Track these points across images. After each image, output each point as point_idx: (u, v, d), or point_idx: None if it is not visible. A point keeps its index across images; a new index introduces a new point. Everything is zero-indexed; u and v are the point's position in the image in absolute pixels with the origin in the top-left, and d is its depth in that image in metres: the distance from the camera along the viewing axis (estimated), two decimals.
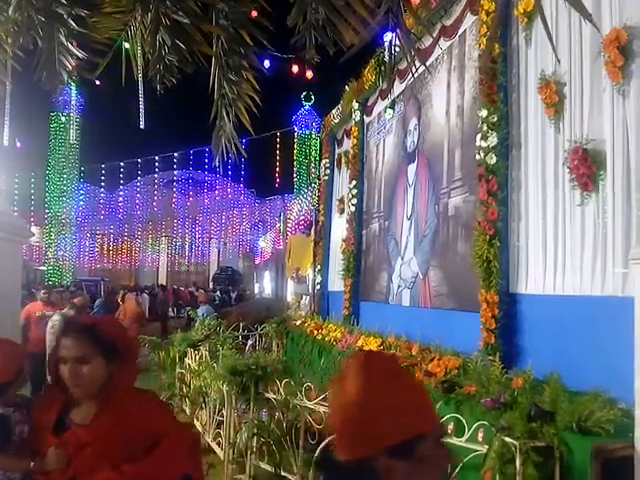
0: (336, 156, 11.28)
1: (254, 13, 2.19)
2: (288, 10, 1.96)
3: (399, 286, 7.56)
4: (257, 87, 2.43)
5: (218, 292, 22.94)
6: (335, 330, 7.95)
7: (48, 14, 2.06)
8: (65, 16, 2.10)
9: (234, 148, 2.59)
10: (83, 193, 24.87)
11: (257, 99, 2.45)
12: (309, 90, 21.00)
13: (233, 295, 23.85)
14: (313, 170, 20.94)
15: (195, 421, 6.43)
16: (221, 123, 2.48)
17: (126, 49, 2.58)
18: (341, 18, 1.88)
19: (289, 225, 19.28)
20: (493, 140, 4.81)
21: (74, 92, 20.34)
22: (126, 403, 1.78)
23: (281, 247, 20.80)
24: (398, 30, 1.76)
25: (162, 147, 24.60)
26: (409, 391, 1.08)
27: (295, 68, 7.60)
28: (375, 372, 1.06)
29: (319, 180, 12.58)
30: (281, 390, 4.84)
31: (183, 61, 2.27)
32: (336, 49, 1.99)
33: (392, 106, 6.67)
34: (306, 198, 18.76)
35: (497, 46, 4.90)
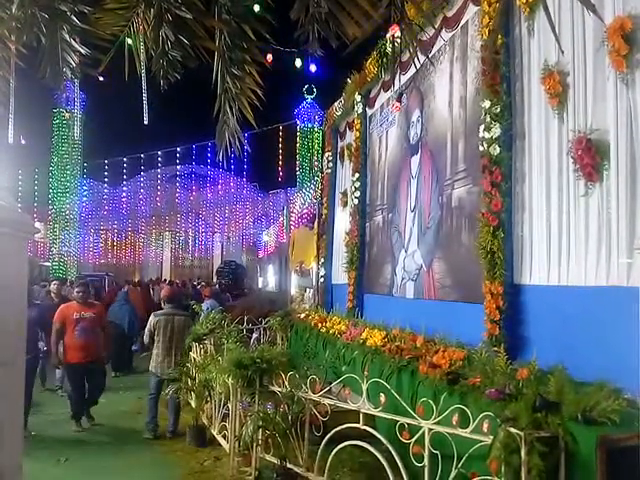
0: (339, 149, 11.27)
1: (256, 7, 2.19)
2: (290, 4, 1.96)
3: (403, 278, 7.56)
4: (260, 81, 2.43)
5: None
6: (339, 323, 7.96)
7: (51, 11, 2.06)
8: (68, 13, 2.10)
9: (238, 142, 2.60)
10: (86, 189, 24.88)
11: (260, 93, 2.46)
12: (311, 83, 20.90)
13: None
14: (316, 163, 20.88)
15: (201, 414, 6.47)
16: (225, 118, 2.48)
17: (129, 45, 2.58)
18: (344, 11, 1.88)
19: (292, 218, 19.26)
20: (496, 131, 4.80)
21: (77, 88, 20.32)
22: None
23: (284, 241, 20.80)
24: (401, 22, 1.76)
25: (165, 142, 24.57)
26: None
27: (298, 62, 7.57)
28: None
29: (322, 173, 12.56)
30: (286, 383, 4.86)
31: (186, 56, 2.27)
32: (339, 42, 1.99)
33: (399, 98, 6.63)
34: (309, 191, 18.73)
35: (500, 36, 4.88)
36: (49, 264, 22.62)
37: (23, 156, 17.41)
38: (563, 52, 4.11)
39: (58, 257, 22.25)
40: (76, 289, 7.05)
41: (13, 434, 2.37)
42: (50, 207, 22.30)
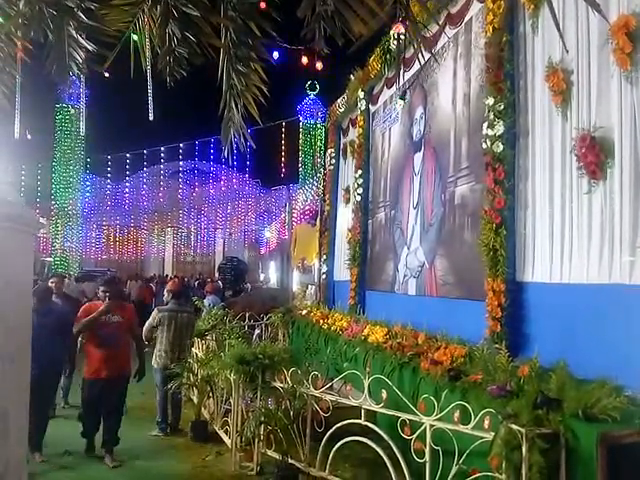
0: (342, 145, 11.26)
1: (262, 5, 2.20)
2: (295, 2, 1.97)
3: (405, 275, 7.57)
4: (265, 78, 2.45)
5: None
6: (341, 319, 7.98)
7: (58, 7, 2.07)
8: (75, 9, 2.11)
9: (242, 139, 2.61)
10: (89, 184, 24.96)
11: (265, 90, 2.47)
12: (314, 79, 20.87)
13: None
14: (318, 160, 20.88)
15: (203, 410, 6.50)
16: (230, 114, 2.49)
17: (134, 41, 2.59)
18: (350, 9, 1.89)
19: (294, 215, 19.28)
20: (500, 128, 4.80)
21: (83, 84, 20.34)
22: None
23: (286, 237, 20.83)
24: (405, 20, 1.76)
25: (167, 138, 24.62)
26: None
27: (304, 59, 7.55)
28: None
29: (324, 170, 12.57)
30: (288, 379, 4.88)
31: (192, 53, 2.28)
32: (344, 39, 2.00)
33: (403, 97, 6.63)
34: (311, 188, 18.74)
35: (504, 34, 4.87)
36: (51, 259, 22.67)
37: (26, 151, 17.45)
38: (567, 51, 4.10)
39: (60, 252, 22.32)
40: (101, 288, 5.61)
41: (18, 427, 2.39)
42: (53, 202, 22.36)
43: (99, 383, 5.34)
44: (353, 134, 10.24)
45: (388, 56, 7.61)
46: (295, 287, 15.42)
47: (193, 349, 7.09)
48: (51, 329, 5.20)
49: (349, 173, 10.52)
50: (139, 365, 5.77)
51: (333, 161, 11.46)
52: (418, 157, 7.44)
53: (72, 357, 5.73)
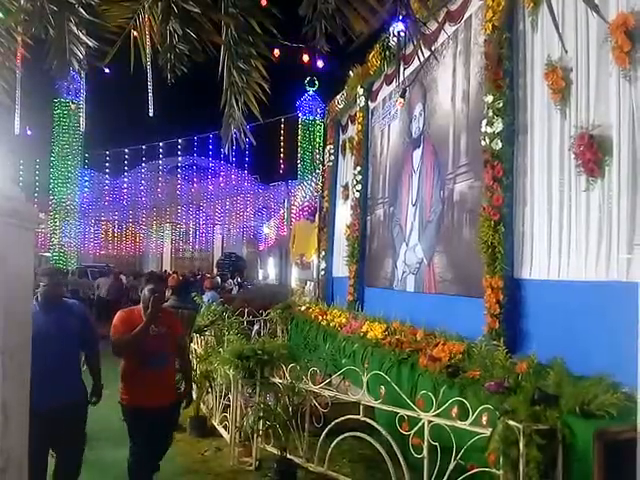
0: (340, 142, 11.26)
1: (263, 2, 2.21)
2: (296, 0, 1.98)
3: (404, 272, 7.59)
4: (266, 75, 2.45)
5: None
6: (340, 315, 8.00)
7: (59, 3, 2.07)
8: (75, 5, 2.11)
9: (243, 135, 2.62)
10: (87, 180, 24.95)
11: (265, 87, 2.48)
12: (313, 75, 20.85)
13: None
14: (317, 156, 20.88)
15: (202, 405, 6.51)
16: (230, 111, 2.50)
17: (134, 37, 2.60)
18: (350, 7, 1.90)
19: (293, 211, 19.30)
20: (499, 126, 4.81)
21: (83, 80, 20.31)
22: None
23: (285, 233, 20.85)
24: (405, 19, 1.77)
25: (166, 134, 24.60)
26: None
27: (305, 57, 7.55)
28: None
29: (323, 166, 12.56)
30: (287, 375, 4.90)
31: (193, 50, 2.28)
32: (345, 37, 2.01)
33: (403, 95, 6.63)
34: (310, 184, 18.75)
35: (503, 31, 4.88)
36: (49, 254, 22.66)
37: (24, 146, 17.43)
38: (567, 51, 4.11)
39: (59, 247, 22.31)
40: (148, 287, 3.98)
41: (19, 419, 2.40)
42: (51, 197, 22.33)
43: (146, 413, 3.89)
44: (352, 130, 10.24)
45: (387, 53, 7.61)
46: (294, 283, 15.44)
47: (192, 345, 7.10)
48: (69, 335, 3.70)
49: (348, 169, 10.52)
50: (186, 387, 4.43)
51: (332, 157, 11.45)
52: (417, 154, 7.44)
53: (98, 381, 4.06)
